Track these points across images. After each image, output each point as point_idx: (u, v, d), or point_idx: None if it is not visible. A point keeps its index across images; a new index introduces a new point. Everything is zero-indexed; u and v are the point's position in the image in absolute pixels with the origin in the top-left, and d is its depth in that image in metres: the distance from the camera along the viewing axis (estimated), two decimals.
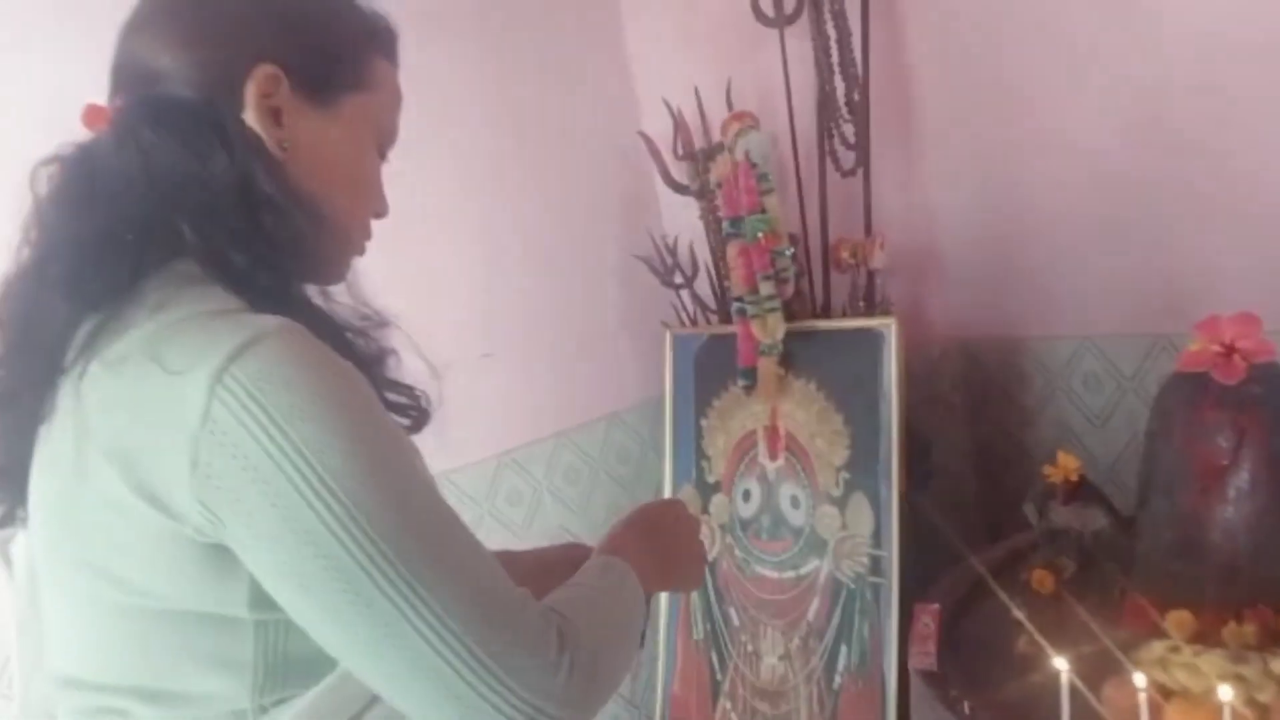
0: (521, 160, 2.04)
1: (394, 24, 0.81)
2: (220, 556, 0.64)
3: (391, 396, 0.79)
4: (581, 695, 0.66)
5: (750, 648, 1.87)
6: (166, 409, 0.61)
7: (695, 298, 2.10)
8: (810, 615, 1.77)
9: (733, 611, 1.91)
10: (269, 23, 0.72)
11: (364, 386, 0.67)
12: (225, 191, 0.68)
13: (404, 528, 0.63)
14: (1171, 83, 1.60)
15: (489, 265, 2.01)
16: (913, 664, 1.20)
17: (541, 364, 2.07)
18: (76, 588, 0.69)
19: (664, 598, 2.02)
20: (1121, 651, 1.09)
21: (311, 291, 0.76)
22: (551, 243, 2.09)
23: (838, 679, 1.72)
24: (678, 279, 2.10)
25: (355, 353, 0.74)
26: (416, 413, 0.81)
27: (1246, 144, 1.54)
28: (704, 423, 2.00)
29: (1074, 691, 0.96)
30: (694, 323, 2.09)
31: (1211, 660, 1.00)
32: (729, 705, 1.90)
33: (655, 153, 2.06)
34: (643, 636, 0.81)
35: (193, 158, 0.67)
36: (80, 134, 0.73)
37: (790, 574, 1.82)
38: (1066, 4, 1.70)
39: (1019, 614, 1.18)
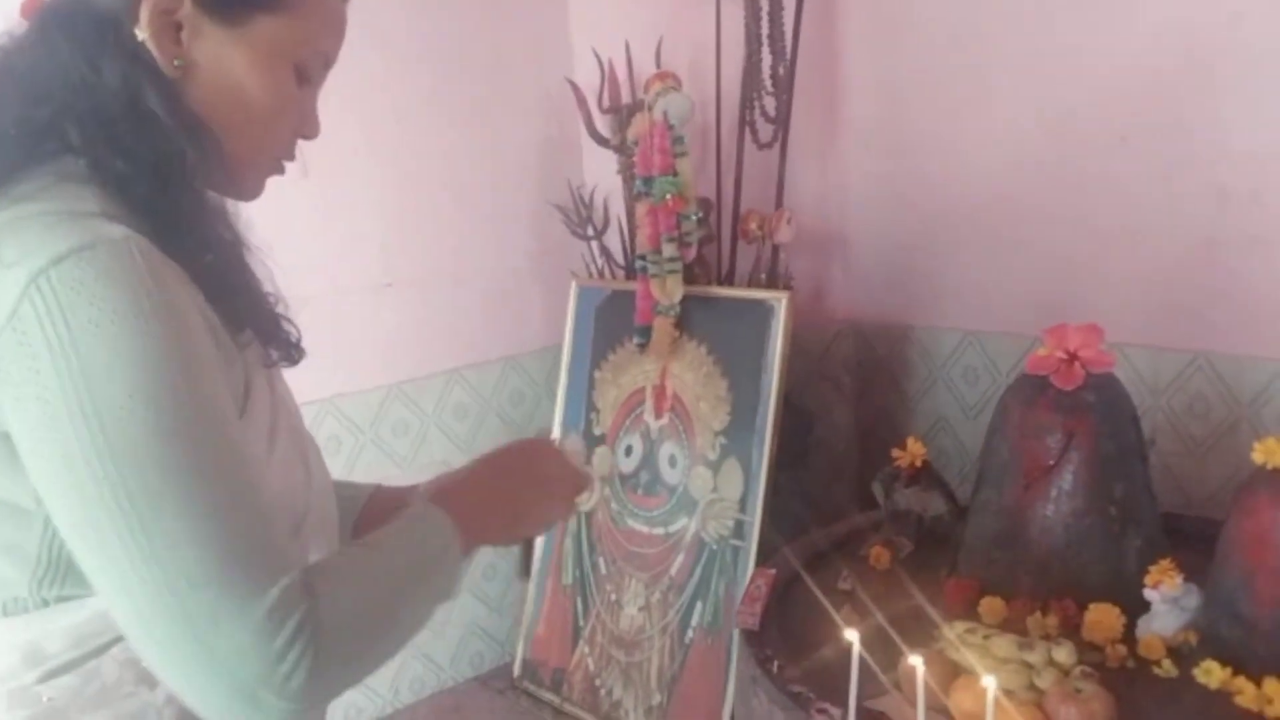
0: (446, 92, 2.03)
1: None
2: (12, 445, 0.65)
3: (263, 327, 0.79)
4: (308, 689, 0.63)
5: (614, 597, 1.92)
6: None
7: (604, 251, 2.12)
8: (673, 570, 1.83)
9: (601, 561, 1.96)
10: None
11: (186, 312, 0.67)
12: (112, 102, 0.70)
13: (161, 473, 0.62)
14: (1073, 113, 1.67)
15: (400, 195, 2.00)
16: (738, 622, 1.25)
17: (443, 300, 2.07)
18: None
19: (539, 544, 2.07)
20: (931, 629, 1.16)
21: (202, 208, 0.75)
22: (468, 179, 2.09)
23: (690, 633, 1.78)
24: (589, 231, 2.12)
25: (216, 277, 0.73)
26: (286, 346, 0.82)
27: (1131, 175, 1.61)
28: (597, 375, 2.03)
29: (874, 656, 1.01)
30: (600, 276, 2.11)
31: (1000, 644, 1.06)
32: (587, 650, 1.95)
33: (582, 102, 2.07)
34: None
35: (87, 65, 0.70)
36: (15, 22, 0.75)
37: (660, 530, 1.87)
38: (992, 23, 1.74)
39: (826, 601, 1.23)
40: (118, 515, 0.61)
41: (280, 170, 0.81)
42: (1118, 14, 1.58)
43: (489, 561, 2.17)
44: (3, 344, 0.62)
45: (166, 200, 0.70)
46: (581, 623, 1.97)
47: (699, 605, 1.77)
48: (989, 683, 0.85)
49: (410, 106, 1.99)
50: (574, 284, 2.10)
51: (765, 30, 1.85)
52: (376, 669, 0.71)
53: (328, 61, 0.81)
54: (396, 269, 1.99)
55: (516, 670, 2.07)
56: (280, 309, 0.83)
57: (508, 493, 0.88)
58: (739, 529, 1.74)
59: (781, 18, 1.85)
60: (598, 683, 1.91)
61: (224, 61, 0.73)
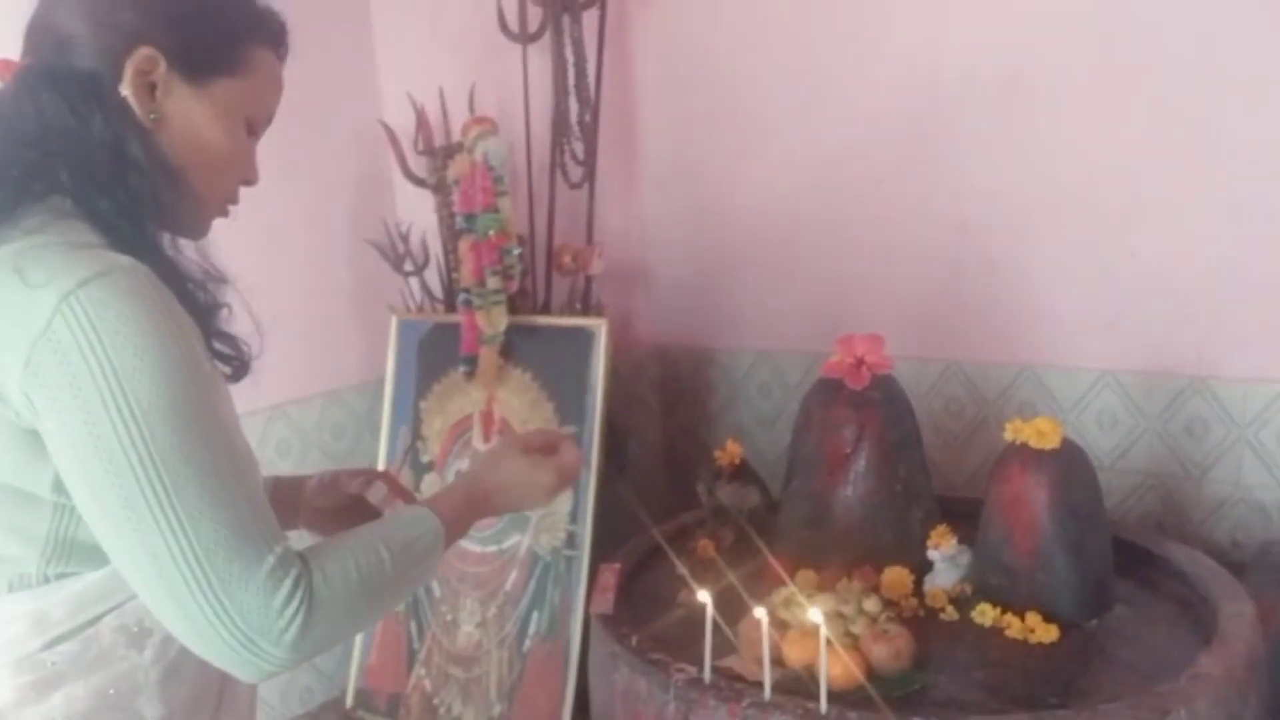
0: None
1: (281, 19, 0.93)
2: (35, 441, 0.74)
3: (219, 346, 0.89)
4: (299, 641, 0.74)
5: (449, 617, 1.99)
6: (18, 314, 0.72)
7: (424, 286, 2.20)
8: (508, 585, 1.92)
9: (435, 584, 2.02)
10: (158, 12, 0.83)
11: (188, 331, 0.77)
12: (98, 149, 0.80)
13: (184, 458, 0.72)
14: (839, 155, 1.94)
15: (216, 234, 1.99)
16: (593, 609, 1.38)
17: (260, 337, 2.07)
18: None
19: None
20: (758, 600, 1.33)
21: (165, 243, 0.85)
22: (280, 216, 2.10)
23: (528, 642, 1.88)
24: (408, 266, 2.19)
25: (193, 301, 0.83)
26: (239, 363, 0.91)
27: (889, 209, 1.90)
28: (423, 404, 2.10)
29: (716, 624, 1.17)
30: (420, 309, 2.19)
31: (820, 601, 1.25)
32: (424, 672, 2.00)
33: (395, 143, 2.15)
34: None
35: (75, 118, 0.80)
36: None
37: (493, 548, 1.96)
38: (768, 76, 1.99)
39: (682, 569, 1.39)
40: (150, 494, 0.71)
41: (225, 213, 0.92)
42: (872, 76, 1.87)
43: None
44: (38, 353, 0.71)
45: (145, 235, 0.80)
46: (417, 645, 2.02)
47: (535, 615, 1.88)
48: (816, 617, 1.03)
49: None
50: (394, 318, 2.17)
51: (571, 81, 2.02)
52: (360, 631, 0.83)
53: (269, 117, 0.94)
54: None
55: (349, 701, 2.09)
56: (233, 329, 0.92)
57: (494, 494, 1.00)
58: (570, 540, 1.86)
59: (585, 69, 2.02)
60: (436, 701, 1.97)
61: (190, 115, 0.85)
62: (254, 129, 0.92)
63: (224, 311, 0.89)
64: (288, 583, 0.74)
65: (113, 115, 0.81)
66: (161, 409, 0.72)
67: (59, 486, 0.75)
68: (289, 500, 1.08)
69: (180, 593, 0.72)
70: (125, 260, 0.75)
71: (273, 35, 0.92)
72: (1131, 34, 1.62)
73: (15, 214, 0.78)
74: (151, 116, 0.83)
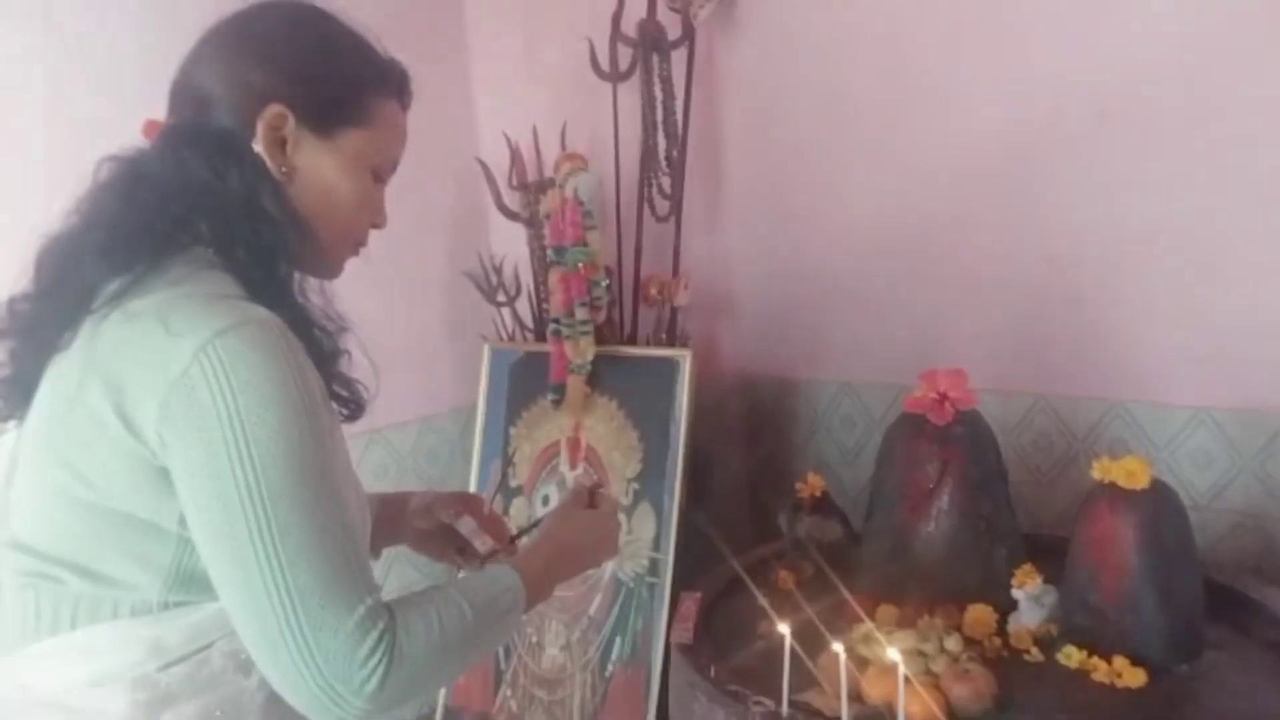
0: None
1: (404, 70, 0.98)
2: (165, 479, 0.80)
3: (338, 389, 0.95)
4: (378, 693, 0.77)
5: (535, 639, 2.04)
6: (159, 359, 0.78)
7: (515, 316, 2.27)
8: (592, 610, 1.97)
9: None
10: (285, 70, 0.89)
11: (312, 381, 0.82)
12: (234, 202, 0.86)
13: (292, 504, 0.77)
14: (925, 190, 1.93)
15: None
16: (674, 639, 1.41)
17: (361, 364, 2.17)
18: (48, 477, 0.84)
19: None
20: (837, 634, 1.34)
21: (295, 290, 0.92)
22: (382, 249, 2.19)
23: (610, 667, 1.91)
24: (500, 297, 2.27)
25: (317, 347, 0.90)
26: (355, 405, 0.98)
27: (977, 245, 1.89)
28: (512, 431, 2.16)
29: (795, 657, 1.19)
30: (511, 339, 2.26)
31: (900, 638, 1.26)
32: (509, 693, 2.06)
33: (491, 179, 2.23)
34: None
35: (213, 174, 0.86)
36: (138, 140, 0.91)
37: None
38: (851, 113, 2.01)
39: (762, 600, 1.41)
40: (256, 535, 0.77)
41: (356, 253, 0.99)
42: (958, 110, 1.87)
43: None
44: (174, 395, 0.77)
45: (276, 282, 0.87)
46: (503, 666, 2.07)
47: (618, 640, 1.92)
48: (894, 655, 1.04)
49: None
50: (486, 347, 2.24)
51: (659, 118, 2.08)
52: (439, 687, 0.88)
53: (395, 164, 0.99)
54: None
55: (438, 718, 2.15)
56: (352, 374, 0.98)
57: (573, 551, 1.06)
58: (653, 567, 1.90)
59: (674, 106, 2.08)
60: None
61: (319, 167, 0.91)
62: (380, 175, 0.97)
63: (344, 357, 0.95)
64: (374, 634, 0.78)
65: (247, 170, 0.87)
66: (279, 456, 0.77)
67: (184, 521, 0.81)
68: (395, 518, 1.15)
69: (271, 633, 0.77)
70: (261, 312, 0.81)
71: (396, 86, 0.97)
72: (1222, 68, 1.59)
73: (161, 265, 0.84)
74: (283, 170, 0.89)
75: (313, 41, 0.93)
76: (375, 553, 1.10)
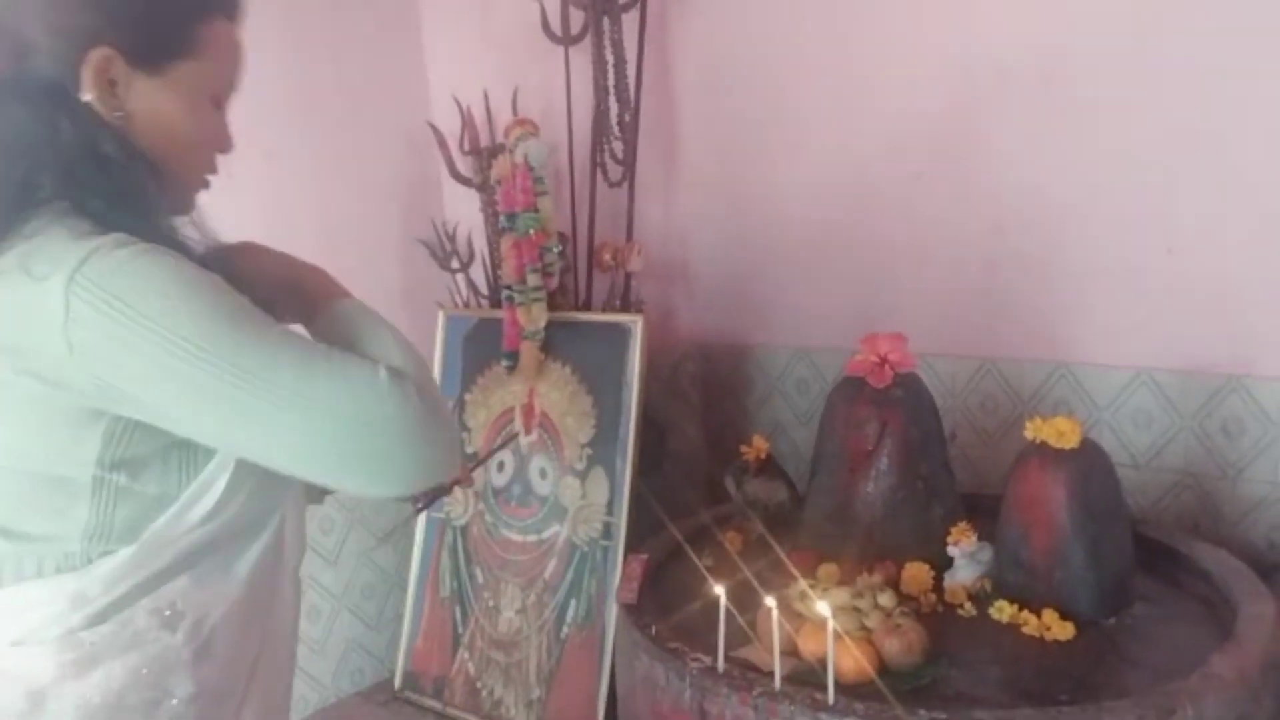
0: (310, 136, 2.15)
1: None
2: (86, 418, 0.80)
3: None
4: (394, 393, 0.80)
5: (492, 603, 2.06)
6: (35, 308, 0.77)
7: (470, 282, 2.27)
8: (547, 574, 1.99)
9: (479, 571, 2.09)
10: (106, 11, 0.85)
11: (196, 263, 0.82)
12: (73, 153, 0.83)
13: (243, 337, 0.78)
14: (873, 154, 1.95)
15: (270, 234, 2.08)
16: (618, 598, 1.43)
17: None
18: None
19: (415, 561, 2.18)
20: (776, 593, 1.36)
21: (166, 227, 0.89)
22: (334, 217, 2.20)
23: (565, 629, 1.94)
24: (454, 264, 2.27)
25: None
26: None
27: (923, 207, 1.91)
28: (467, 397, 2.17)
29: (730, 615, 1.21)
30: (466, 305, 2.26)
31: (834, 595, 1.28)
32: (467, 655, 2.08)
33: (443, 144, 2.22)
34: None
35: (45, 126, 0.83)
36: None
37: (533, 537, 2.02)
38: (802, 76, 2.01)
39: (698, 561, 1.43)
40: (238, 380, 0.78)
41: (207, 185, 0.96)
42: (906, 75, 1.88)
43: (367, 581, 2.27)
44: (75, 337, 0.76)
45: (144, 223, 0.84)
46: (461, 630, 2.10)
47: (573, 603, 1.94)
48: (825, 610, 1.06)
49: (277, 151, 2.08)
50: (441, 314, 2.24)
51: (611, 82, 2.07)
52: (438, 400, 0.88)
53: (234, 86, 0.96)
54: None
55: (398, 682, 2.17)
56: None
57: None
58: (606, 530, 1.92)
59: (625, 71, 2.07)
60: (479, 685, 2.04)
61: (156, 105, 0.88)
62: (220, 103, 0.94)
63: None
64: (373, 363, 0.82)
65: (80, 119, 0.84)
66: (209, 328, 0.77)
67: (103, 461, 0.81)
68: None
69: (304, 431, 0.79)
70: (112, 235, 0.80)
71: (222, 5, 0.92)
72: (1166, 29, 1.61)
73: (16, 222, 0.82)
74: (118, 115, 0.86)
75: None
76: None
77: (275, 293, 0.93)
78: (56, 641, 0.83)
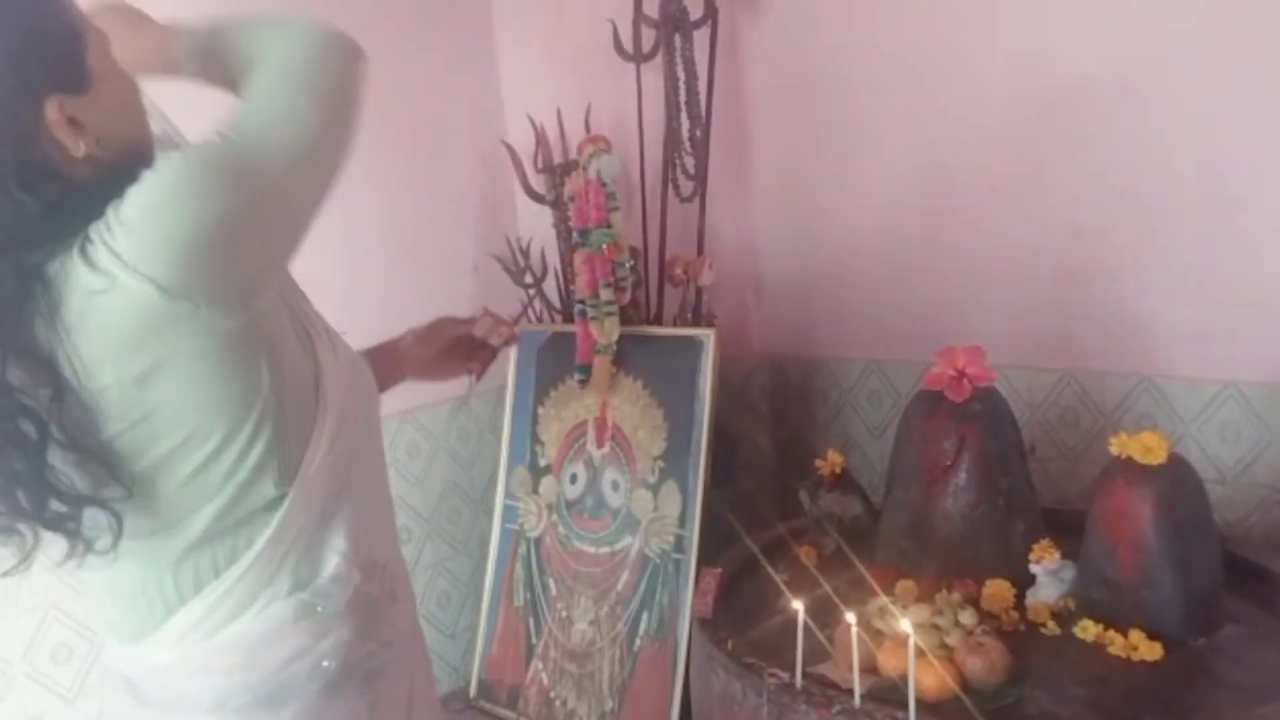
0: (388, 156, 2.20)
1: None
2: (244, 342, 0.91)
3: None
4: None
5: (565, 614, 2.08)
6: (122, 289, 0.82)
7: (543, 297, 2.30)
8: (620, 586, 2.00)
9: (551, 582, 2.12)
10: (30, 72, 0.82)
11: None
12: (77, 207, 0.83)
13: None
14: (946, 165, 1.93)
15: (352, 250, 2.15)
16: (694, 613, 1.44)
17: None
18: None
19: (490, 571, 2.21)
20: (854, 609, 1.36)
21: None
22: (411, 234, 2.25)
23: (638, 641, 1.95)
24: (528, 279, 2.30)
25: None
26: None
27: (1000, 218, 1.88)
28: (540, 411, 2.20)
29: (811, 631, 1.21)
30: (539, 320, 2.29)
31: (915, 612, 1.27)
32: (540, 665, 2.10)
33: (517, 162, 2.26)
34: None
35: (40, 207, 0.82)
36: None
37: (606, 549, 2.04)
38: (874, 89, 2.00)
39: (775, 576, 1.43)
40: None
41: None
42: (982, 84, 1.86)
43: (443, 590, 2.31)
44: (139, 256, 0.81)
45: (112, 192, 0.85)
46: (534, 640, 2.12)
47: (645, 615, 1.95)
48: (907, 627, 1.06)
49: (356, 171, 2.12)
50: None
51: (683, 98, 2.08)
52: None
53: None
54: (350, 319, 2.11)
55: (473, 691, 2.20)
56: None
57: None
58: (679, 543, 1.92)
59: (696, 87, 2.08)
60: (552, 695, 2.06)
61: (108, 110, 0.88)
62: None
63: None
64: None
65: (65, 181, 0.83)
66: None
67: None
68: (388, 360, 1.21)
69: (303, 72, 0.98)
70: (102, 219, 0.82)
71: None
72: (1248, 36, 1.57)
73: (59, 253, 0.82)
74: (86, 145, 0.85)
75: (28, 22, 0.83)
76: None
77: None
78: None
